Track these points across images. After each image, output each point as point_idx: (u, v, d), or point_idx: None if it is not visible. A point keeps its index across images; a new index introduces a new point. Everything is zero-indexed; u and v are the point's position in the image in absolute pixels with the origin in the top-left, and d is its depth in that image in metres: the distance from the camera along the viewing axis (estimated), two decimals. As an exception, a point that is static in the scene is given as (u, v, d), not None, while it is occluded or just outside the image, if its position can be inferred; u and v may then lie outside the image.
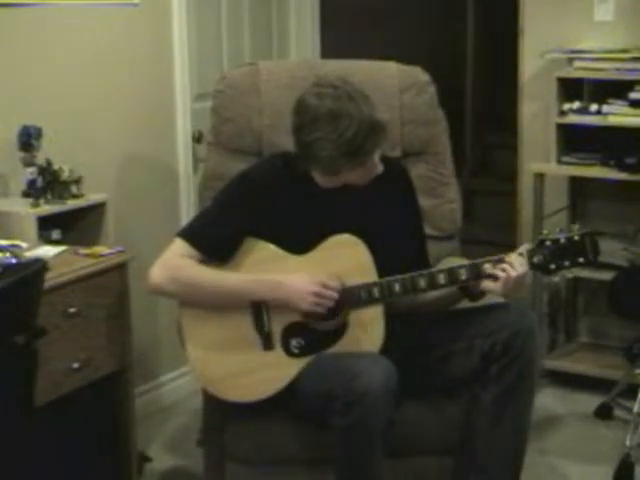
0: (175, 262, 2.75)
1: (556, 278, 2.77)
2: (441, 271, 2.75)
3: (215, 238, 2.77)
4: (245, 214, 2.77)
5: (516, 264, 2.70)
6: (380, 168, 2.76)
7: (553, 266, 2.74)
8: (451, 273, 2.74)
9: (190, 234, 2.79)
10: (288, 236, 2.77)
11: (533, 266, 2.74)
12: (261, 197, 2.78)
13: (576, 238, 2.73)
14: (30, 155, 3.28)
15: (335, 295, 2.72)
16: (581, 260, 2.74)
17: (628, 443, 3.48)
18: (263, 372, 2.75)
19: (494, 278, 2.70)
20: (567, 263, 2.74)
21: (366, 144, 2.66)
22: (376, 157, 2.73)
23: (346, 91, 2.66)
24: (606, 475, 3.46)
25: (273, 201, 2.78)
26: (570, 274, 2.77)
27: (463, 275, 2.74)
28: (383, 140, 2.72)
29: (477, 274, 2.73)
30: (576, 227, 2.78)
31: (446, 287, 2.76)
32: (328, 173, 2.75)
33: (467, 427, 2.81)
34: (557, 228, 2.81)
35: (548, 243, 2.73)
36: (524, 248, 2.76)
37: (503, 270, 2.69)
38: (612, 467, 3.46)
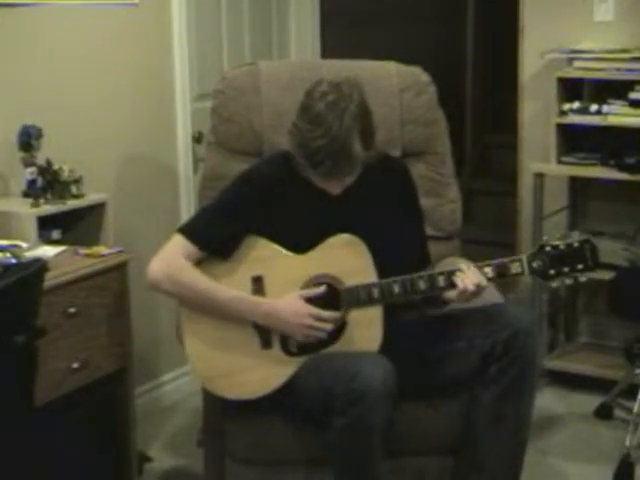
0: (174, 261, 2.74)
1: (554, 284, 2.78)
2: (441, 273, 2.76)
3: (215, 236, 2.76)
4: (247, 213, 2.77)
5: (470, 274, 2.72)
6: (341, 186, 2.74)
7: (552, 272, 2.76)
8: (451, 275, 2.74)
9: (190, 231, 2.78)
10: (289, 235, 2.76)
11: (532, 271, 2.75)
12: (263, 196, 2.77)
13: (576, 245, 2.75)
14: (30, 155, 3.28)
15: (329, 327, 2.72)
16: (580, 267, 2.75)
17: (628, 443, 3.47)
18: (261, 370, 2.75)
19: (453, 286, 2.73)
20: (566, 269, 2.75)
21: (326, 163, 2.64)
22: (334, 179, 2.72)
23: (342, 98, 2.64)
24: (606, 475, 3.46)
25: (275, 200, 2.78)
26: (569, 281, 2.79)
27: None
28: (347, 167, 2.68)
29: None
30: (576, 234, 2.80)
31: (445, 290, 2.77)
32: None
33: (467, 427, 2.82)
34: (557, 234, 2.82)
35: (548, 249, 2.75)
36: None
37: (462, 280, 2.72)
38: (612, 467, 3.46)
